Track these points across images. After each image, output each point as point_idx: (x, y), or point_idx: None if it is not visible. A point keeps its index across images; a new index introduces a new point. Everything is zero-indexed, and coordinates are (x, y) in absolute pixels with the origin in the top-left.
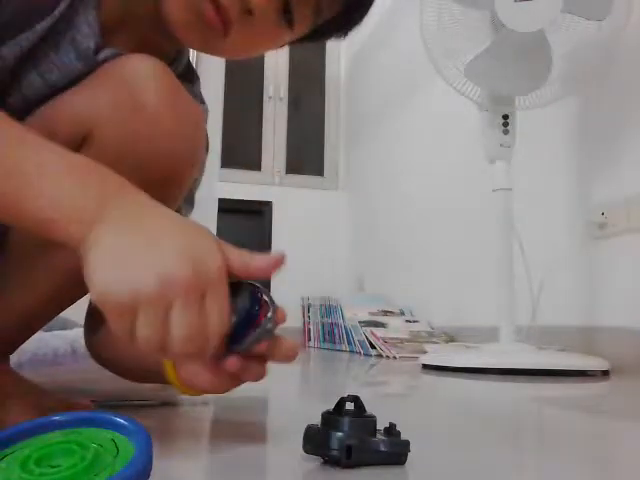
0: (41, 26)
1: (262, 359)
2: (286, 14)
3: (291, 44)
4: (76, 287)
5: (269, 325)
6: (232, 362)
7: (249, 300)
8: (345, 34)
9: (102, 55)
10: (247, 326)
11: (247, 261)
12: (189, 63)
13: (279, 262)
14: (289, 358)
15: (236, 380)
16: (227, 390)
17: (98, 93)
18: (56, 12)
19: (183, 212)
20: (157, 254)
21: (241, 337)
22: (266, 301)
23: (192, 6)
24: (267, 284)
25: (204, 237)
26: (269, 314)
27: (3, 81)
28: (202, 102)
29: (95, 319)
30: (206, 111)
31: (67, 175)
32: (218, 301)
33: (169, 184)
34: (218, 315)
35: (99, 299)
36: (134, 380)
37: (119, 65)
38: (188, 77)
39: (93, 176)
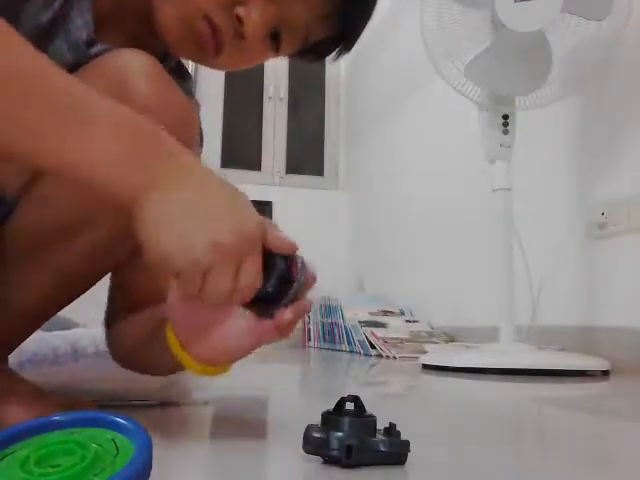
0: (42, 19)
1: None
2: (274, 39)
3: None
4: (74, 286)
5: (302, 278)
6: (281, 315)
7: (284, 264)
8: (335, 58)
9: (95, 49)
10: (280, 287)
11: (281, 237)
12: (179, 60)
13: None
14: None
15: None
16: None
17: None
18: (55, 4)
19: None
20: (207, 221)
21: (277, 295)
22: (295, 261)
23: (188, 23)
24: None
25: (247, 203)
26: (299, 271)
27: None
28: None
29: (114, 312)
30: (198, 105)
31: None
32: (251, 267)
33: None
34: (249, 279)
35: (161, 259)
36: (152, 373)
37: (111, 60)
38: (180, 74)
39: (147, 138)
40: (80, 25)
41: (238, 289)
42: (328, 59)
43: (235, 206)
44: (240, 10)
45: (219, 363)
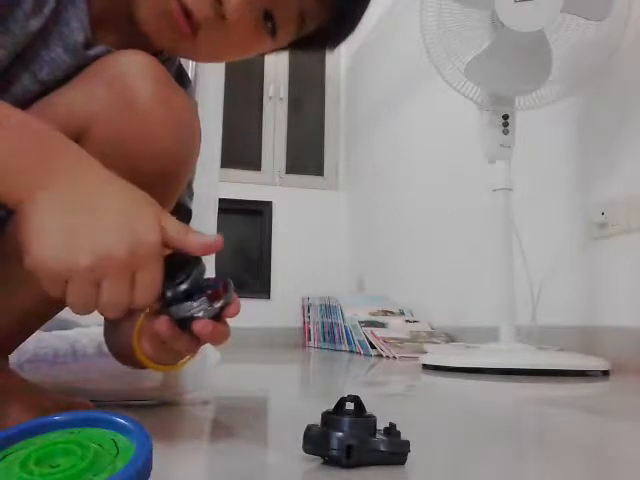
0: (33, 25)
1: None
2: (267, 22)
3: (276, 51)
4: None
5: (209, 309)
6: (161, 322)
7: (211, 280)
8: (334, 46)
9: (94, 51)
10: (194, 297)
11: (182, 237)
12: (181, 66)
13: (214, 246)
14: (215, 341)
15: (173, 351)
16: (172, 362)
17: (92, 90)
18: (45, 10)
19: (186, 201)
20: (96, 230)
21: (181, 304)
22: (225, 286)
23: (160, 7)
24: (267, 283)
25: (146, 212)
26: (219, 303)
27: None
28: None
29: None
30: (196, 105)
31: (22, 139)
32: (147, 278)
33: (166, 181)
34: (144, 291)
35: (35, 266)
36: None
37: (112, 61)
38: (181, 79)
39: (48, 143)
40: (76, 28)
41: (134, 300)
42: (328, 49)
43: (131, 215)
44: None
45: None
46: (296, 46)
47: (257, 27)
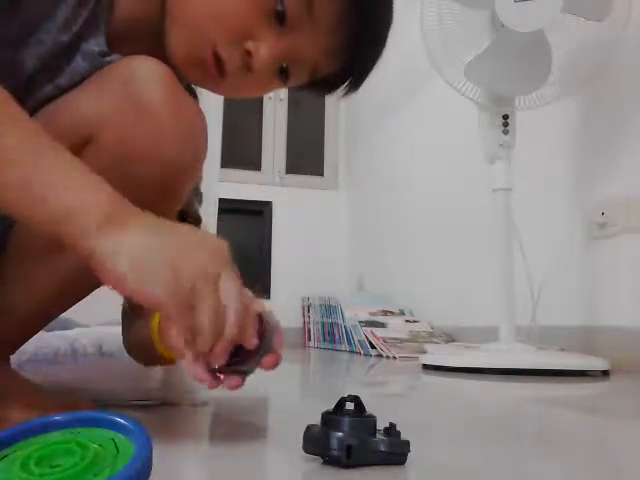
0: (63, 39)
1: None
2: (282, 73)
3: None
4: (77, 288)
5: (269, 344)
6: (236, 382)
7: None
8: (333, 93)
9: (109, 58)
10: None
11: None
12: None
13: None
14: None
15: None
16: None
17: (102, 94)
18: (74, 28)
19: (195, 208)
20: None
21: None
22: (268, 323)
23: (195, 51)
24: (267, 283)
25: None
26: (267, 336)
27: (19, 89)
28: None
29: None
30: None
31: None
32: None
33: (174, 183)
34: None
35: (160, 303)
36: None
37: (124, 66)
38: (190, 94)
39: (120, 199)
40: (93, 44)
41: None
42: (334, 96)
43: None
44: (250, 45)
45: None
46: (303, 88)
47: (273, 75)
